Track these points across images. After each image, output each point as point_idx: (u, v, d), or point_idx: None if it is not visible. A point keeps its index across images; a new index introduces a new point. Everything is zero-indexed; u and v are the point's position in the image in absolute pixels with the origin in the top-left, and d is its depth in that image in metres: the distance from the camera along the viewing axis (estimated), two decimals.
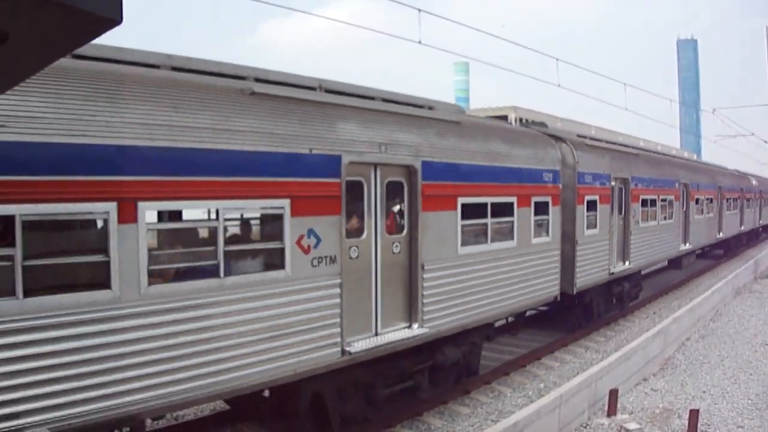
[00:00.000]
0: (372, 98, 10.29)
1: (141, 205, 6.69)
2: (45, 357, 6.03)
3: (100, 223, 6.61)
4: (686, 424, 9.76)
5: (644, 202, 19.90)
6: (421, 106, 11.44)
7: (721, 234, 30.94)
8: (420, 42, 14.85)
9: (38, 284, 6.04)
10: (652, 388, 12.20)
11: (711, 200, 28.97)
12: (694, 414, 9.69)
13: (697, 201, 26.53)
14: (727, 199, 32.23)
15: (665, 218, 22.11)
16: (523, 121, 23.16)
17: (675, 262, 26.50)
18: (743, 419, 10.46)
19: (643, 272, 21.32)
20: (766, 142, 41.71)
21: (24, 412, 5.89)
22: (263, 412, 10.01)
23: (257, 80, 8.58)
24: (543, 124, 17.91)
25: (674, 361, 14.18)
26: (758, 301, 21.81)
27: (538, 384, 12.70)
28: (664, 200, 21.82)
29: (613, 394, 10.67)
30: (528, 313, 15.78)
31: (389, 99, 10.74)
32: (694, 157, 44.13)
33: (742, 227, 36.20)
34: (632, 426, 9.69)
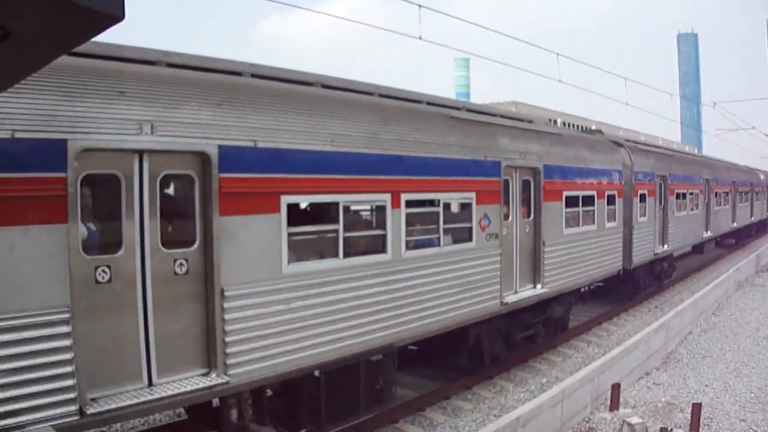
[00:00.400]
0: (499, 116, 13.29)
1: (402, 195, 9.70)
2: (356, 299, 8.90)
3: (381, 208, 9.53)
4: (689, 417, 9.74)
5: (678, 195, 23.47)
6: (530, 121, 14.77)
7: (735, 224, 34.68)
8: (420, 38, 14.82)
9: (349, 249, 8.85)
10: (655, 382, 12.20)
11: (727, 194, 32.54)
12: (696, 408, 9.68)
13: (716, 194, 30.04)
14: (740, 193, 35.64)
15: (692, 209, 25.60)
16: (583, 128, 24.49)
17: (698, 248, 30.50)
18: (746, 412, 10.44)
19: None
20: (767, 135, 41.54)
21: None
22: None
23: (381, 96, 10.54)
24: (600, 131, 21.85)
25: (676, 355, 14.18)
26: (760, 294, 21.79)
27: (540, 379, 12.70)
28: (692, 194, 25.54)
29: (616, 389, 10.65)
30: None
31: (510, 116, 14.27)
32: (696, 151, 44.22)
33: (752, 218, 39.59)
34: (635, 420, 9.66)
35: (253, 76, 8.47)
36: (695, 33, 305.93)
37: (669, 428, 9.19)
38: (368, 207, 9.77)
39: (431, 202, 10.54)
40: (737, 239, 38.09)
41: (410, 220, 9.95)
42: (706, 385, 11.84)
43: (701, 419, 9.67)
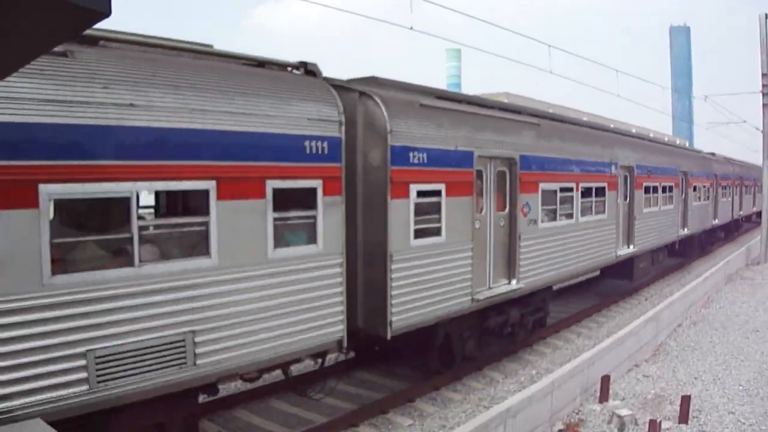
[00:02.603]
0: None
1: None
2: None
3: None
4: (678, 409, 9.77)
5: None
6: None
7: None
8: (412, 28, 14.75)
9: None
10: (644, 374, 12.21)
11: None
12: (685, 400, 9.70)
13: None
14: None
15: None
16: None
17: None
18: (734, 405, 10.46)
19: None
20: (758, 129, 41.66)
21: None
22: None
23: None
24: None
25: (666, 347, 14.21)
26: (750, 287, 21.87)
27: (530, 370, 12.70)
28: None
29: (605, 381, 10.66)
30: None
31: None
32: (686, 144, 44.39)
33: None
34: (624, 412, 9.68)
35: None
36: (688, 26, 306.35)
37: (658, 420, 9.18)
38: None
39: None
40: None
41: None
42: (696, 378, 11.86)
43: (690, 411, 9.70)
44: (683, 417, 9.59)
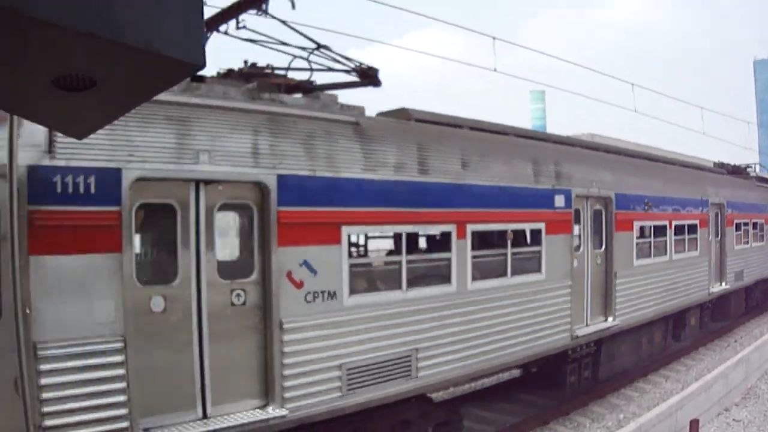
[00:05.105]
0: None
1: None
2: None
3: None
4: None
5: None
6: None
7: None
8: (495, 70, 14.94)
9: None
10: (735, 418, 12.13)
11: None
12: None
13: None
14: None
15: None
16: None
17: None
18: None
19: None
20: None
21: None
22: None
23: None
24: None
25: (757, 390, 13.99)
26: None
27: (617, 414, 12.76)
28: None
29: (695, 425, 10.64)
30: None
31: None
32: None
33: None
34: None
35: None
36: None
37: None
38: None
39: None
40: None
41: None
42: None
43: None
44: None
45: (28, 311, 5.73)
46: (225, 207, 7.51)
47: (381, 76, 8.92)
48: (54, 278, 5.96)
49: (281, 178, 7.59)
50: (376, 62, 8.88)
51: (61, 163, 6.07)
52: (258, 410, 7.32)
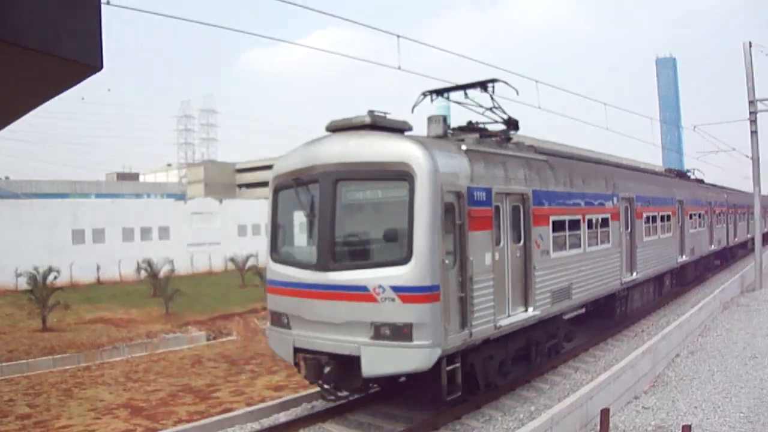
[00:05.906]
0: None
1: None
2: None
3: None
4: None
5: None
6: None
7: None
8: (399, 68, 15.04)
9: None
10: (644, 405, 12.14)
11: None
12: (686, 430, 9.60)
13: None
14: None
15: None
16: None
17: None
18: None
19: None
20: (747, 156, 42.06)
21: None
22: None
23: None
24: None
25: (665, 378, 14.14)
26: (746, 314, 21.88)
27: (528, 407, 12.56)
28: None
29: (605, 414, 10.55)
30: None
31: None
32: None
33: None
34: None
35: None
36: (673, 57, 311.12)
37: None
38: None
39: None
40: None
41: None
42: (695, 407, 11.80)
43: None
44: None
45: (471, 259, 11.02)
46: (514, 206, 13.07)
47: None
48: (475, 242, 11.23)
49: (533, 191, 13.51)
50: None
51: (473, 185, 11.37)
52: (523, 312, 13.11)
